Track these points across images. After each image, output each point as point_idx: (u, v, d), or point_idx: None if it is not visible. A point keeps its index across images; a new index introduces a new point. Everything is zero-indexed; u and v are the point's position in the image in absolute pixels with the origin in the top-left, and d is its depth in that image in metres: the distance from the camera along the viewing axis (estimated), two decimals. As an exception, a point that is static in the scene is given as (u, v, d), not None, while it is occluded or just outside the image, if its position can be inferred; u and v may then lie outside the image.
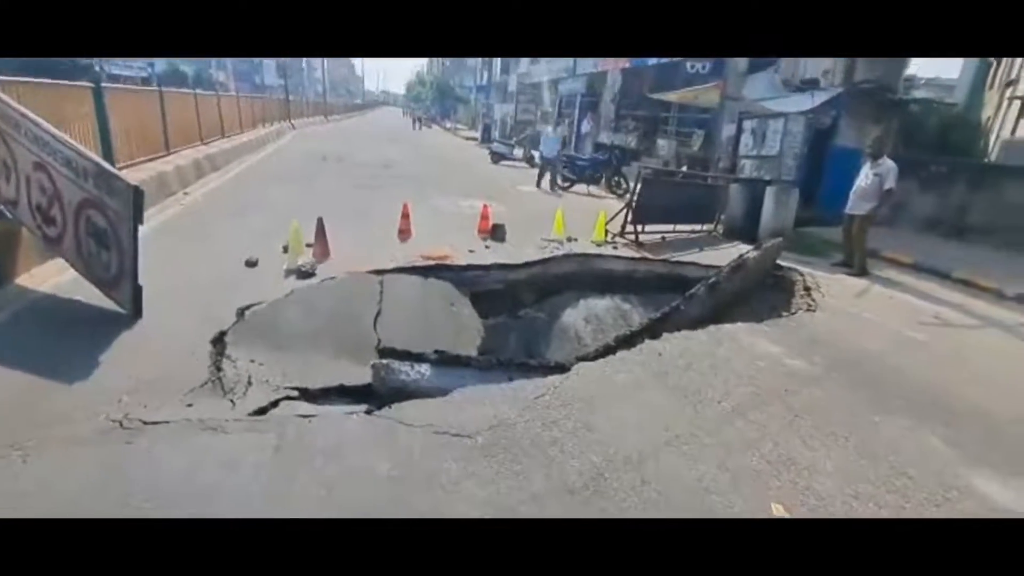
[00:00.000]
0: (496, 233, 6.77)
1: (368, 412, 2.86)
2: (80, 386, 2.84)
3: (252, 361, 3.31)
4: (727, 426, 3.02)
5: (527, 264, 6.01)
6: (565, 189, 12.03)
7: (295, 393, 3.11)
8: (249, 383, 3.06)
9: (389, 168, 12.84)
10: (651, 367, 3.65)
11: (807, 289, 5.96)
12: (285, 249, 5.34)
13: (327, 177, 10.49)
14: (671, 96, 11.74)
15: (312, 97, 42.08)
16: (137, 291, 3.52)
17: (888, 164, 6.55)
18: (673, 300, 6.60)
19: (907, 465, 2.76)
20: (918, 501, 2.51)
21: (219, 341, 3.45)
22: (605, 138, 16.45)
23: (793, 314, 5.21)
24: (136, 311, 3.57)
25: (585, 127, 17.54)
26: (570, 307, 6.26)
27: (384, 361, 3.23)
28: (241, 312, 3.85)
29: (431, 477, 2.37)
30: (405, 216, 6.47)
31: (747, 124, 8.30)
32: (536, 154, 13.80)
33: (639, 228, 7.36)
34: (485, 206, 7.06)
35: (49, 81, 5.70)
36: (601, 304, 6.40)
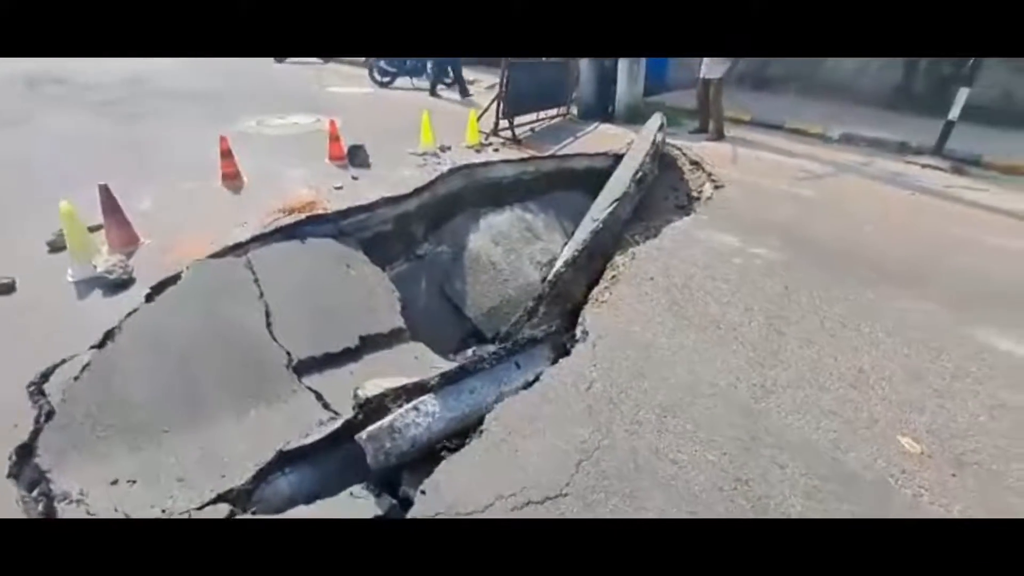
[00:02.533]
0: (356, 157, 5.26)
1: (398, 513, 1.82)
2: None
3: (114, 482, 1.89)
4: (774, 338, 2.71)
5: (416, 191, 4.80)
6: (386, 85, 10.16)
7: (225, 509, 1.87)
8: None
9: (142, 85, 9.20)
10: (655, 300, 3.12)
11: (695, 163, 5.92)
12: (52, 247, 3.31)
13: (58, 114, 6.96)
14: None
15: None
16: None
17: (738, 22, 6.53)
18: (567, 197, 6.20)
19: (913, 328, 2.82)
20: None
21: (30, 468, 1.88)
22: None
23: (705, 194, 5.11)
24: None
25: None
26: (471, 231, 5.34)
27: (380, 425, 2.07)
28: (38, 390, 2.18)
29: None
30: (227, 154, 4.53)
31: (590, -12, 7.52)
32: None
33: (512, 122, 6.45)
34: (332, 123, 5.35)
35: None
36: (502, 219, 5.61)
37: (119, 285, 2.95)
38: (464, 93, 9.56)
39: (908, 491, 1.93)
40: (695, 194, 5.21)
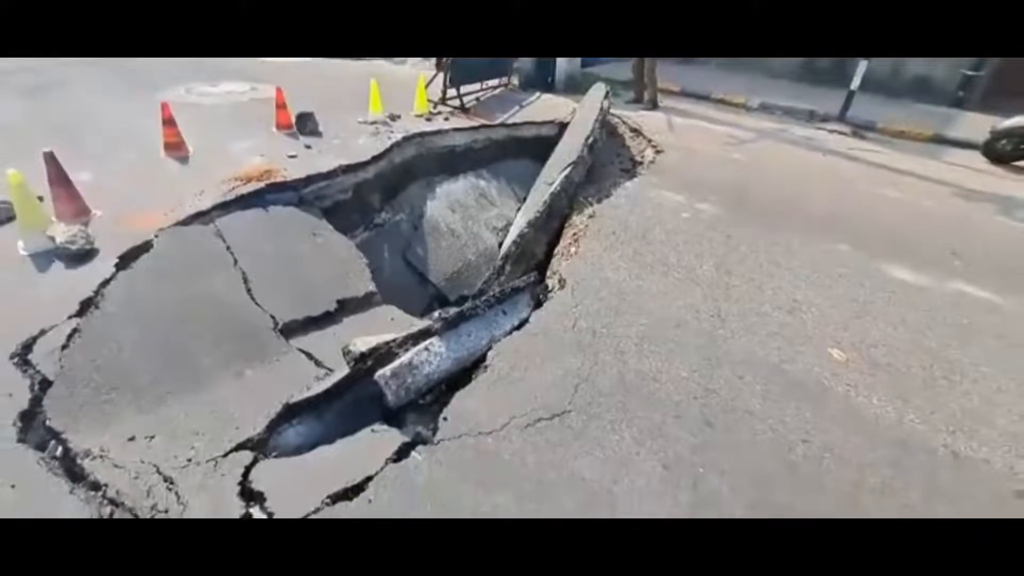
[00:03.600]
0: (305, 125, 5.13)
1: (430, 447, 1.99)
2: None
3: (131, 439, 1.92)
4: (723, 278, 3.11)
5: (374, 159, 4.79)
6: (316, 53, 9.73)
7: (248, 457, 1.97)
8: (167, 480, 1.79)
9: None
10: (619, 251, 3.42)
11: (635, 131, 6.28)
12: (-5, 220, 3.07)
13: None
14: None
15: None
16: None
17: (669, -5, 6.90)
18: (517, 164, 6.39)
19: (834, 265, 3.34)
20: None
21: (38, 432, 1.87)
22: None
23: (647, 159, 5.48)
24: None
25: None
26: (428, 199, 5.42)
27: (402, 362, 2.20)
28: (23, 359, 2.12)
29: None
30: (169, 122, 4.28)
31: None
32: None
33: (459, 91, 6.49)
34: (278, 90, 5.16)
35: None
36: (457, 187, 5.71)
37: (81, 256, 2.82)
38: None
39: (840, 389, 2.36)
40: (639, 159, 5.57)
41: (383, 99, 5.93)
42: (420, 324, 3.22)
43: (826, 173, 5.26)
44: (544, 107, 7.16)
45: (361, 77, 7.07)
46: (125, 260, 2.80)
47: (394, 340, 2.46)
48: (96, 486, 1.71)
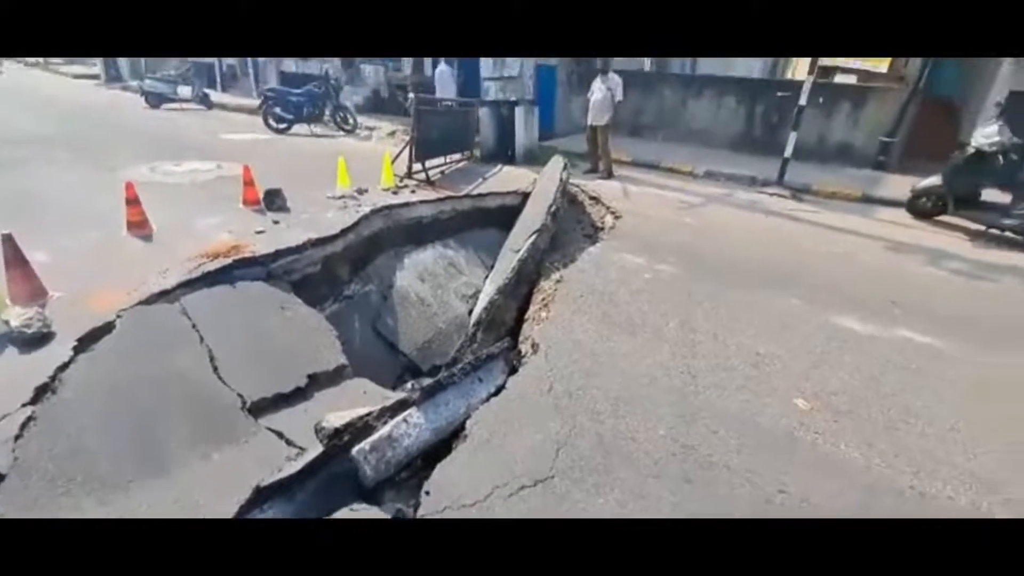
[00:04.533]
0: (273, 201, 5.20)
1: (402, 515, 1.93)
2: None
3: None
4: (688, 335, 3.23)
5: (343, 232, 4.86)
6: (283, 131, 10.01)
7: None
8: None
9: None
10: (589, 313, 3.53)
11: (594, 199, 6.64)
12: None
13: None
14: (378, 14, 10.62)
15: None
16: None
17: (615, 79, 7.55)
18: (483, 233, 6.59)
19: (789, 318, 3.53)
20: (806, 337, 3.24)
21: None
22: (292, 66, 14.15)
23: (607, 225, 5.77)
24: None
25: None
26: (397, 270, 5.49)
27: (380, 436, 2.17)
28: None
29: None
30: (134, 202, 4.27)
31: (484, 45, 8.24)
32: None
33: (424, 165, 6.77)
34: (247, 169, 5.26)
35: None
36: (426, 257, 5.82)
37: (37, 340, 2.71)
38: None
39: (808, 438, 2.45)
40: (599, 224, 5.86)
41: (351, 174, 6.12)
42: (393, 396, 3.19)
43: (772, 232, 5.65)
44: (506, 178, 7.51)
45: (329, 154, 7.29)
46: (84, 343, 2.71)
47: (370, 413, 2.43)
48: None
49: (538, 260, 5.06)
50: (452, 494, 1.96)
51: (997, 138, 5.59)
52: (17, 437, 2.06)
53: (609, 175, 7.88)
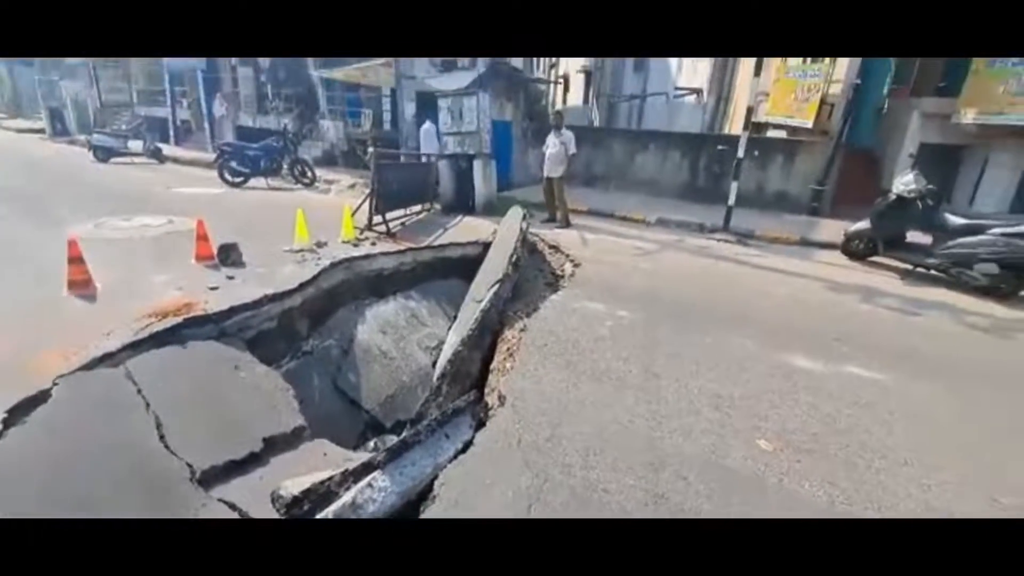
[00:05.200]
0: (228, 256, 5.07)
1: None
2: None
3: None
4: (652, 380, 3.28)
5: (301, 287, 4.76)
6: (239, 185, 9.89)
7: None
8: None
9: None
10: (552, 362, 3.54)
11: (553, 247, 6.81)
12: None
13: None
14: (337, 74, 10.90)
15: None
16: None
17: (568, 134, 7.94)
18: (446, 284, 6.59)
19: (744, 359, 3.66)
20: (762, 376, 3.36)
21: None
22: (249, 121, 14.16)
23: (567, 273, 5.90)
24: None
25: (218, 109, 14.55)
26: (358, 323, 5.38)
27: (343, 503, 2.06)
28: None
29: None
30: (77, 260, 4.06)
31: (442, 103, 8.51)
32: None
33: (385, 217, 6.80)
34: (199, 222, 5.12)
35: None
36: (388, 309, 5.75)
37: (-36, 414, 2.47)
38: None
39: (773, 479, 2.49)
40: (559, 272, 5.98)
41: (309, 227, 6.06)
42: (355, 457, 3.06)
43: (722, 276, 5.92)
44: (466, 229, 7.62)
45: (287, 207, 7.22)
46: (15, 414, 2.49)
47: (331, 478, 2.31)
48: None
49: (501, 309, 5.08)
50: (422, 561, 1.87)
51: (913, 185, 6.15)
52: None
53: (567, 224, 8.13)
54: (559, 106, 14.39)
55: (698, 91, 14.35)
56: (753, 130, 8.43)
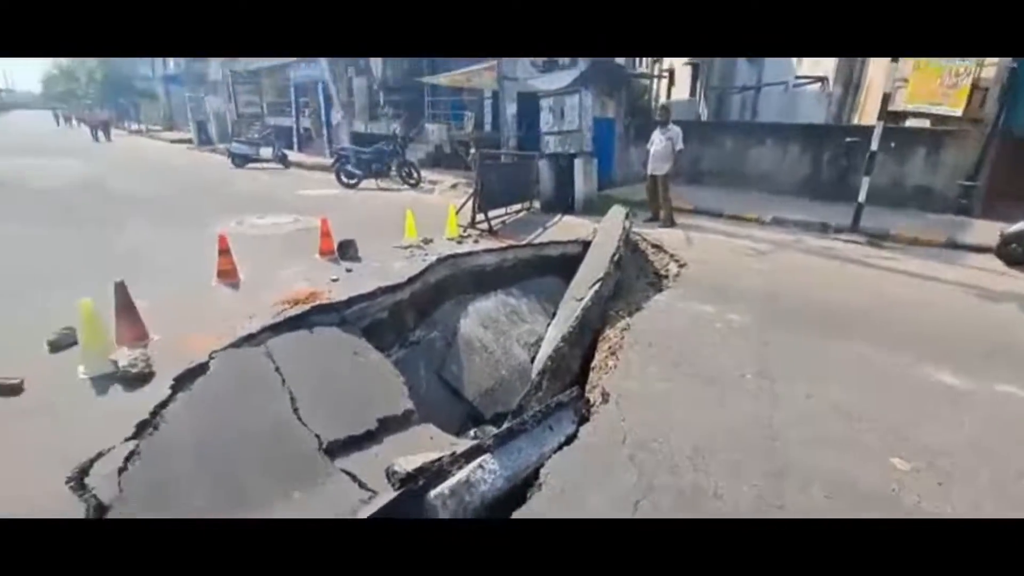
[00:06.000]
0: (347, 251, 5.52)
1: None
2: None
3: None
4: (767, 386, 3.06)
5: (410, 280, 5.06)
6: (353, 186, 10.72)
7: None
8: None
9: (102, 191, 9.24)
10: (660, 362, 3.43)
11: (656, 247, 6.58)
12: (53, 347, 3.26)
13: (19, 219, 6.87)
14: (442, 80, 11.42)
15: None
16: None
17: (675, 129, 7.63)
18: (545, 281, 6.64)
19: (877, 370, 3.27)
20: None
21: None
22: (362, 127, 15.28)
23: (671, 273, 5.68)
24: None
25: (335, 117, 15.89)
26: (461, 317, 5.58)
27: (458, 480, 2.17)
28: (79, 483, 2.14)
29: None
30: (225, 252, 4.67)
31: (544, 102, 8.61)
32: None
33: (487, 215, 7.00)
34: (324, 221, 5.65)
35: None
36: (489, 304, 5.90)
37: (140, 379, 2.95)
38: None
39: (910, 499, 2.22)
40: (663, 272, 5.77)
41: (417, 226, 6.42)
42: (459, 442, 3.19)
43: (850, 279, 5.36)
44: (565, 228, 7.62)
45: (396, 207, 7.70)
46: (180, 382, 2.90)
47: (442, 458, 2.43)
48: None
49: (602, 308, 5.02)
50: (529, 546, 1.90)
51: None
52: (121, 470, 2.20)
53: (671, 223, 7.82)
54: (663, 101, 13.93)
55: (822, 79, 13.11)
56: (889, 119, 7.55)
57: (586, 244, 6.58)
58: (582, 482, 2.26)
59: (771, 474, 2.33)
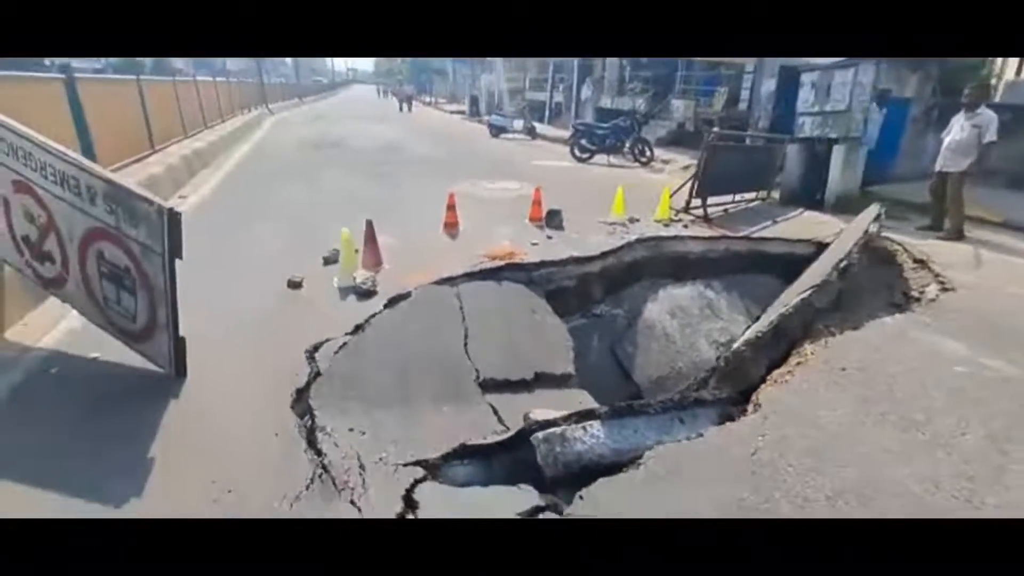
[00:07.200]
0: (552, 220, 5.93)
1: (556, 510, 2.06)
2: (135, 505, 1.98)
3: (351, 430, 2.48)
4: (994, 456, 2.32)
5: (602, 255, 5.20)
6: (584, 160, 11.15)
7: (420, 473, 2.30)
8: (362, 468, 2.24)
9: (395, 152, 11.75)
10: (844, 390, 2.91)
11: (919, 262, 5.26)
12: (326, 261, 4.44)
13: (332, 168, 9.36)
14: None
15: (275, 79, 39.38)
16: (179, 345, 2.64)
17: (988, 114, 5.80)
18: (757, 280, 5.99)
19: None
20: None
21: (302, 405, 2.60)
22: (608, 102, 15.49)
23: (928, 295, 4.52)
24: (179, 369, 2.70)
25: (585, 92, 16.48)
26: (649, 300, 5.49)
27: (553, 431, 2.39)
28: (311, 356, 2.99)
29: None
30: (452, 208, 5.57)
31: (806, 78, 7.45)
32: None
33: (705, 201, 6.58)
34: (537, 190, 6.18)
35: (9, 73, 4.59)
36: (683, 293, 5.66)
37: (367, 294, 3.84)
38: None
39: None
40: (915, 294, 4.63)
41: (627, 204, 6.43)
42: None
43: None
44: (803, 224, 6.66)
45: (615, 182, 7.80)
46: (391, 302, 3.70)
47: (572, 412, 2.61)
48: (319, 453, 2.28)
49: (809, 319, 4.34)
50: (602, 508, 1.97)
51: None
52: (335, 353, 3.00)
53: (958, 236, 6.08)
54: (1008, 76, 10.37)
55: None
56: None
57: (821, 246, 5.68)
58: (688, 475, 2.17)
59: None
